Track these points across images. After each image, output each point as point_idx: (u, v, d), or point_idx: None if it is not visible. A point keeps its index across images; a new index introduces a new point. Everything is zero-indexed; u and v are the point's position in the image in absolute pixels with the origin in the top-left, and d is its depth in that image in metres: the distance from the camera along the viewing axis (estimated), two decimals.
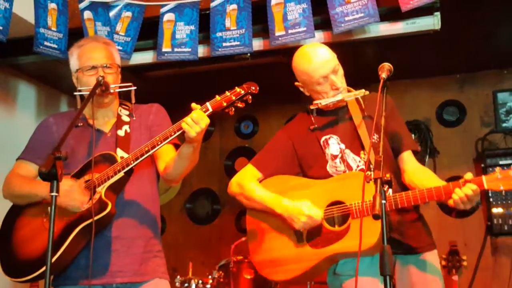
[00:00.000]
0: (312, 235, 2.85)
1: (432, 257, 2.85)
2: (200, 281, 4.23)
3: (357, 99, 2.99)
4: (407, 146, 2.94)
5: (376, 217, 2.20)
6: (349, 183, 2.81)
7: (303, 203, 2.83)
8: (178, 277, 4.26)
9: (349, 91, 2.97)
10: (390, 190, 2.67)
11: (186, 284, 4.23)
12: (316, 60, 2.91)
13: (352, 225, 2.74)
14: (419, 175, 2.83)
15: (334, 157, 2.93)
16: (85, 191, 2.67)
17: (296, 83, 3.06)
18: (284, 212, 2.86)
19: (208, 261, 5.47)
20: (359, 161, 2.89)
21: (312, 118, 3.03)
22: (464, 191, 2.53)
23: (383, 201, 2.22)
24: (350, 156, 2.91)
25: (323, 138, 2.97)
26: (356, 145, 2.90)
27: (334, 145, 2.94)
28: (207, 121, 2.52)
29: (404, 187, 2.84)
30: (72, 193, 2.63)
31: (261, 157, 3.12)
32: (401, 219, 2.79)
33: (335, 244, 2.77)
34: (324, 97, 2.94)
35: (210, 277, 4.27)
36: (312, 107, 3.01)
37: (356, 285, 2.38)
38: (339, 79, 2.93)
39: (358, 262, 2.38)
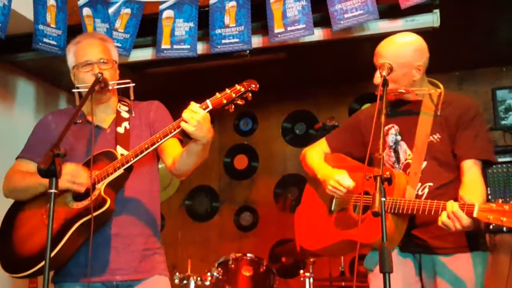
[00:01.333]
0: (340, 215, 2.97)
1: (462, 260, 2.75)
2: (199, 278, 4.23)
3: (431, 98, 2.94)
4: (467, 155, 2.79)
5: (375, 214, 2.21)
6: None
7: (339, 171, 2.94)
8: (177, 274, 4.26)
9: (432, 83, 3.01)
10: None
11: (185, 281, 4.23)
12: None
13: (369, 217, 2.74)
14: (464, 190, 2.71)
15: (390, 147, 2.97)
16: (88, 173, 2.67)
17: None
18: (321, 177, 3.00)
19: (207, 258, 5.49)
20: (409, 155, 2.88)
21: (384, 105, 2.99)
22: (443, 216, 2.50)
23: (383, 199, 2.22)
24: (403, 148, 2.92)
25: (386, 127, 2.99)
26: (411, 139, 2.89)
27: (391, 135, 2.97)
28: (203, 115, 2.49)
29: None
30: (77, 174, 2.63)
31: (334, 134, 3.31)
32: (431, 218, 2.68)
33: (350, 230, 2.85)
34: (413, 85, 2.93)
35: (209, 274, 4.27)
36: (376, 93, 2.98)
37: (355, 282, 2.41)
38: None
39: (357, 259, 2.38)
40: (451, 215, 2.48)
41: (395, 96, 2.95)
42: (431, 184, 2.79)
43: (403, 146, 2.92)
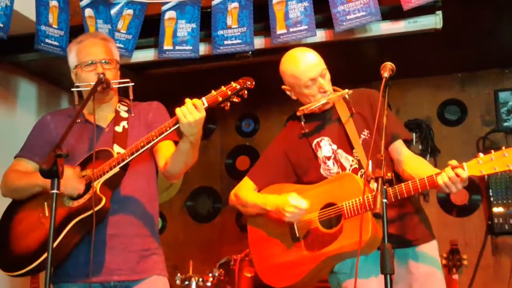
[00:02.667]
0: (308, 239, 2.87)
1: (430, 248, 2.85)
2: (201, 279, 4.23)
3: (344, 99, 2.99)
4: (397, 136, 2.91)
5: (377, 216, 2.20)
6: (339, 184, 2.83)
7: (289, 195, 2.86)
8: (179, 275, 4.26)
9: (335, 91, 2.99)
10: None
11: (186, 282, 4.22)
12: (305, 63, 2.93)
13: (345, 225, 2.76)
14: (412, 164, 2.82)
15: (327, 158, 2.94)
16: (81, 179, 2.67)
17: (283, 87, 3.08)
18: (273, 207, 2.90)
19: (208, 259, 5.47)
20: (352, 160, 2.90)
21: (302, 124, 3.03)
22: (442, 179, 2.54)
23: (384, 200, 2.22)
24: (343, 156, 2.92)
25: (314, 142, 2.99)
26: (346, 144, 2.92)
27: (326, 146, 2.96)
28: (202, 113, 2.49)
29: (398, 178, 2.84)
30: (69, 180, 2.62)
31: (256, 169, 3.18)
32: (397, 213, 2.80)
33: (329, 246, 2.79)
34: (311, 100, 2.95)
35: (210, 275, 4.27)
36: (298, 113, 3.02)
37: (355, 285, 2.40)
38: (327, 83, 2.94)
39: (357, 261, 2.41)
40: (448, 182, 2.54)
41: (319, 109, 2.98)
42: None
43: (342, 154, 2.93)
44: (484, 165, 2.51)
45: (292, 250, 2.92)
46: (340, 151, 2.93)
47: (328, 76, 2.96)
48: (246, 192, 3.09)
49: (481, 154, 2.53)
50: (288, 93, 3.07)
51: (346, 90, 2.93)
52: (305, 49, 3.05)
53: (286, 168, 3.07)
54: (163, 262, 2.88)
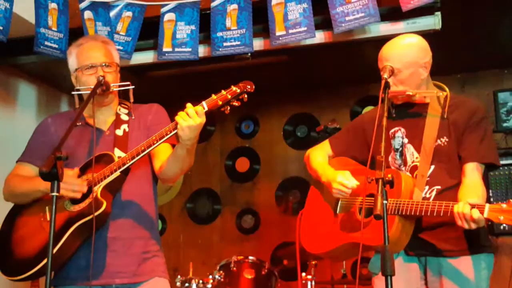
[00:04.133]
0: (344, 218, 2.96)
1: (469, 263, 2.75)
2: (201, 281, 4.22)
3: (443, 100, 2.94)
4: (471, 157, 2.79)
5: (377, 217, 2.21)
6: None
7: (341, 172, 2.92)
8: (179, 277, 4.25)
9: (439, 88, 2.99)
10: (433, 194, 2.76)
11: (186, 284, 4.22)
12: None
13: (373, 220, 2.74)
14: (463, 190, 2.72)
15: (396, 150, 2.95)
16: (83, 181, 2.67)
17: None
18: (325, 179, 2.99)
19: (208, 261, 5.48)
20: (416, 158, 2.87)
21: (391, 108, 2.99)
22: (458, 209, 2.49)
23: (385, 201, 2.22)
24: (410, 151, 2.91)
25: (392, 130, 2.98)
26: (419, 141, 2.88)
27: (398, 138, 2.96)
28: (202, 118, 2.49)
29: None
30: (71, 182, 2.62)
31: (337, 136, 3.28)
32: (438, 221, 2.72)
33: (355, 233, 2.85)
34: (420, 85, 2.93)
35: (210, 277, 4.27)
36: (389, 96, 2.96)
37: (357, 283, 2.41)
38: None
39: (359, 258, 2.41)
40: (461, 216, 2.48)
41: (402, 99, 2.94)
42: (438, 187, 2.79)
43: (410, 148, 2.91)
44: (506, 213, 2.42)
45: (330, 222, 3.03)
46: (409, 145, 2.91)
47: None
48: (318, 155, 3.19)
49: (511, 201, 2.43)
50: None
51: (437, 91, 2.93)
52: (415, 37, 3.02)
53: (361, 143, 3.10)
54: (164, 264, 2.88)
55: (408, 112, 2.98)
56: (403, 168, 2.90)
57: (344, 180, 2.86)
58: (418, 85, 2.90)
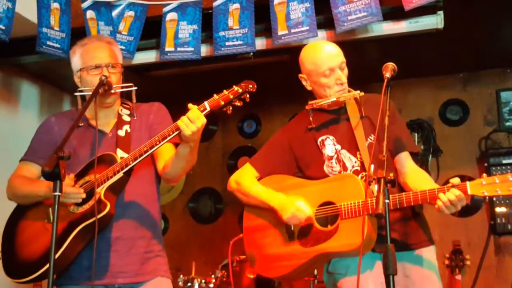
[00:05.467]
0: (303, 233, 2.89)
1: (428, 253, 2.84)
2: (203, 281, 4.23)
3: (356, 100, 2.99)
4: (403, 147, 2.92)
5: (379, 216, 2.21)
6: (340, 184, 2.84)
7: (295, 197, 2.88)
8: (181, 276, 4.26)
9: (349, 91, 2.98)
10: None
11: (189, 284, 4.23)
12: (326, 51, 2.95)
13: (341, 225, 2.76)
14: (413, 177, 2.83)
15: (330, 157, 2.95)
16: (77, 189, 2.66)
17: (300, 75, 3.07)
18: (276, 205, 2.91)
19: (211, 260, 5.47)
20: (355, 162, 2.90)
21: (310, 118, 3.03)
22: (447, 196, 2.53)
23: (387, 201, 2.22)
24: (347, 156, 2.92)
25: (320, 139, 2.99)
26: (352, 145, 2.91)
27: (330, 146, 2.96)
28: (203, 120, 2.50)
29: (401, 189, 2.85)
30: (65, 192, 2.60)
31: (259, 157, 3.17)
32: (394, 217, 2.78)
33: (323, 244, 2.80)
34: (326, 92, 2.94)
35: (213, 276, 4.27)
36: (307, 107, 3.03)
37: (358, 284, 2.42)
38: (344, 76, 2.96)
39: (360, 261, 2.40)
40: (455, 199, 2.52)
41: (328, 106, 2.98)
42: None
43: (346, 154, 2.92)
44: (487, 186, 2.50)
45: (285, 243, 2.94)
46: (344, 151, 2.92)
47: (346, 71, 2.97)
48: (249, 181, 3.07)
49: (485, 175, 2.53)
50: (304, 82, 3.07)
51: (358, 92, 2.93)
52: (328, 42, 3.08)
53: (289, 159, 3.08)
54: (166, 264, 2.88)
55: (330, 119, 3.00)
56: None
57: (301, 206, 2.84)
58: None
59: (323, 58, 2.93)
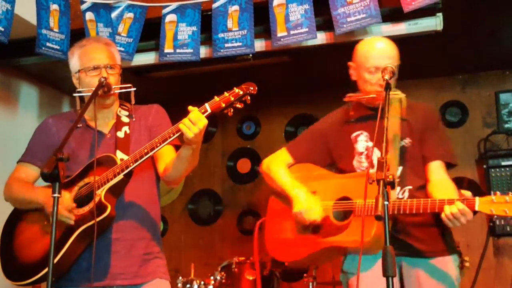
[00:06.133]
0: (318, 224, 2.90)
1: (444, 263, 2.79)
2: (202, 282, 4.23)
3: (400, 103, 2.95)
4: (437, 156, 2.88)
5: (378, 218, 2.20)
6: (360, 182, 2.78)
7: (313, 199, 2.91)
8: (180, 278, 4.25)
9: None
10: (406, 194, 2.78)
11: (188, 285, 4.23)
12: (379, 49, 2.92)
13: (353, 222, 2.78)
14: (436, 188, 2.79)
15: (360, 153, 2.95)
16: (72, 202, 2.65)
17: (350, 63, 3.04)
18: (293, 196, 2.95)
19: (210, 262, 5.47)
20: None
21: (350, 112, 3.04)
22: (450, 209, 2.52)
23: (386, 202, 2.22)
24: (376, 154, 2.90)
25: (354, 134, 2.99)
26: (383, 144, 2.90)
27: (362, 142, 2.96)
28: (205, 122, 2.49)
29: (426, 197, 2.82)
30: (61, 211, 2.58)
31: (295, 144, 3.22)
32: (412, 221, 2.77)
33: (333, 237, 2.83)
34: (367, 88, 2.93)
35: (212, 278, 4.27)
36: (345, 99, 3.01)
37: (358, 283, 2.44)
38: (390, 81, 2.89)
39: (360, 259, 2.40)
40: (457, 212, 2.50)
41: (367, 102, 2.97)
42: (410, 187, 2.83)
43: (375, 152, 2.91)
44: (496, 204, 2.45)
45: (301, 230, 2.98)
46: (375, 149, 2.91)
47: (395, 76, 2.88)
48: (278, 167, 3.12)
49: (498, 193, 2.47)
50: (350, 71, 3.04)
51: (399, 92, 2.92)
52: (390, 41, 3.01)
53: (322, 149, 3.09)
54: (165, 265, 2.88)
55: (368, 115, 2.98)
56: (371, 171, 2.90)
57: (309, 213, 2.86)
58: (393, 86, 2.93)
59: (373, 55, 2.90)
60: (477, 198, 2.50)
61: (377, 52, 2.91)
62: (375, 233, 2.63)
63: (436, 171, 2.86)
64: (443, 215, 2.54)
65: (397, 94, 2.93)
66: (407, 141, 2.88)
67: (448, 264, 2.81)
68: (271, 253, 3.15)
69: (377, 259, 2.71)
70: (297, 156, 3.14)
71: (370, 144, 2.94)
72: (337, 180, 2.96)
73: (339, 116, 3.11)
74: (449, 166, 2.91)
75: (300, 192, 2.96)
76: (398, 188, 2.81)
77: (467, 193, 2.57)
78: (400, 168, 2.83)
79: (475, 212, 2.53)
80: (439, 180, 2.83)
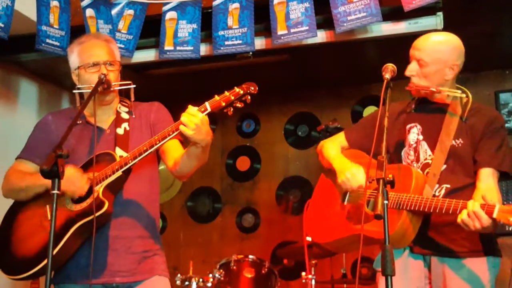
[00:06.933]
0: (352, 209, 2.95)
1: (475, 265, 2.77)
2: (201, 280, 4.22)
3: (464, 102, 2.92)
4: (488, 163, 2.80)
5: (377, 217, 2.20)
6: (397, 174, 2.79)
7: (356, 165, 2.94)
8: (179, 275, 4.25)
9: (460, 89, 2.95)
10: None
11: (186, 283, 4.22)
12: (430, 41, 2.92)
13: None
14: (477, 194, 2.73)
15: (410, 145, 2.95)
16: (86, 179, 2.66)
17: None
18: (337, 167, 3.00)
19: (209, 259, 5.48)
20: (429, 155, 2.87)
21: (410, 103, 3.05)
22: (467, 212, 2.49)
23: (385, 201, 2.22)
24: (423, 148, 2.91)
25: (409, 125, 2.99)
26: (434, 139, 2.88)
27: (413, 134, 2.96)
28: (199, 118, 2.46)
29: None
30: (75, 179, 2.62)
31: (353, 129, 3.28)
32: (445, 220, 2.73)
33: (360, 225, 2.82)
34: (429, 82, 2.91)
35: (210, 275, 4.26)
36: (407, 88, 2.99)
37: (357, 281, 2.41)
38: (413, 70, 2.92)
39: (359, 258, 2.41)
40: (472, 215, 2.48)
41: (425, 94, 2.94)
42: (448, 185, 2.80)
43: (424, 146, 2.91)
44: None
45: (337, 212, 3.04)
46: (423, 143, 2.91)
47: (426, 68, 2.88)
48: (331, 145, 3.18)
49: None
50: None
51: (460, 92, 2.89)
52: (443, 36, 2.98)
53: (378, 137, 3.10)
54: (164, 262, 2.88)
55: (427, 108, 2.97)
56: (415, 165, 2.90)
57: (356, 174, 2.88)
58: (440, 84, 2.89)
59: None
60: (497, 205, 2.47)
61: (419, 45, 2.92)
62: (400, 228, 2.64)
63: (485, 178, 2.79)
64: (459, 218, 2.52)
65: (451, 90, 2.90)
66: (458, 141, 2.84)
67: (481, 265, 2.78)
68: (307, 229, 3.23)
69: (398, 257, 2.72)
70: (352, 140, 3.18)
71: (421, 137, 2.94)
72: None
73: (400, 107, 3.11)
74: (505, 176, 2.86)
75: (345, 162, 3.00)
76: (436, 185, 2.79)
77: (489, 199, 2.53)
78: (444, 166, 2.80)
79: (493, 220, 2.49)
80: (484, 187, 2.76)
